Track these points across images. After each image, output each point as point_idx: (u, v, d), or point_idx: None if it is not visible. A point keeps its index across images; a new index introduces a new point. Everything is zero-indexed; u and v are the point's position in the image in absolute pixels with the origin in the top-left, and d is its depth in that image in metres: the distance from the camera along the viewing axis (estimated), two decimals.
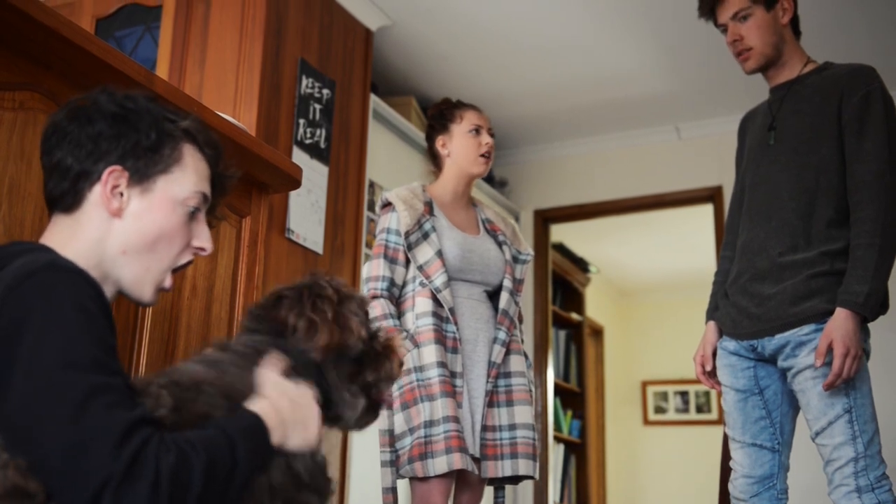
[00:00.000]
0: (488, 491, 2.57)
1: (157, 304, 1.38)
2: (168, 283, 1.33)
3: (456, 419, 2.32)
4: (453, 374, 2.40)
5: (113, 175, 1.25)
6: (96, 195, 1.26)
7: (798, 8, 2.41)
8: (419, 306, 2.43)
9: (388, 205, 2.54)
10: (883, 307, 2.21)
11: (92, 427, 1.01)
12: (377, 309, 2.40)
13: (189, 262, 1.35)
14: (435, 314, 2.42)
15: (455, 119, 2.65)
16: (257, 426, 1.15)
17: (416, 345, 2.40)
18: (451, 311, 2.43)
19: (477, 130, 2.62)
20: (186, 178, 1.31)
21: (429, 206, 2.55)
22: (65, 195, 1.27)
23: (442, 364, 2.37)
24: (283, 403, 1.20)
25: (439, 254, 2.46)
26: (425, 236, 2.48)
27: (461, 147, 2.61)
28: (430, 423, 2.31)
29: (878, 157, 2.16)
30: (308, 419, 1.22)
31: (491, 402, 2.46)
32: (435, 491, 2.32)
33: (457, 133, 2.63)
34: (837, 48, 3.45)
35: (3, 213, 1.41)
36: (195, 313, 1.79)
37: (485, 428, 2.42)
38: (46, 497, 1.01)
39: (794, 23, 2.41)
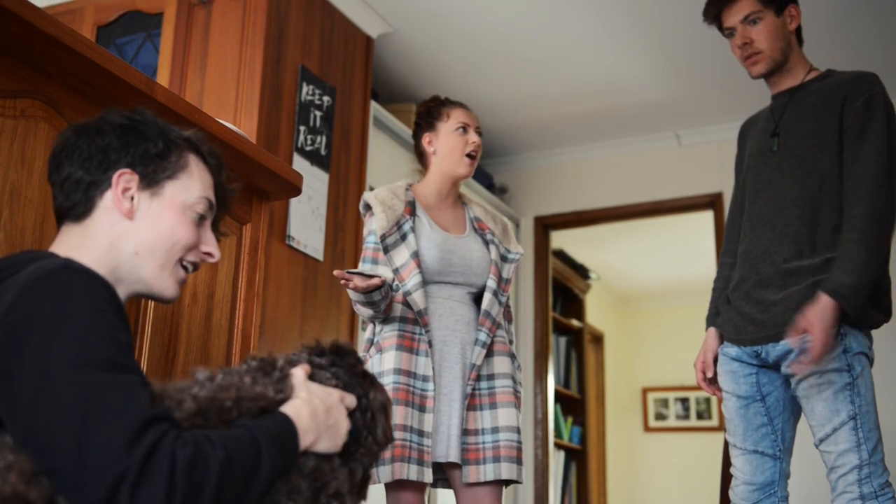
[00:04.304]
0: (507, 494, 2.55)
1: (178, 298, 1.38)
2: (184, 275, 1.37)
3: (405, 428, 2.29)
4: (426, 379, 2.37)
5: (123, 178, 1.29)
6: (108, 201, 1.29)
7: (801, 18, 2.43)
8: (391, 311, 2.42)
9: (369, 207, 2.53)
10: (886, 315, 2.21)
11: (105, 424, 1.00)
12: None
13: (196, 266, 1.38)
14: (403, 318, 2.40)
15: (442, 117, 2.60)
16: (286, 429, 1.15)
17: (379, 350, 2.40)
18: (420, 313, 2.39)
19: (464, 129, 2.58)
20: (193, 184, 1.34)
21: (410, 206, 2.52)
22: (76, 205, 1.29)
23: (399, 371, 2.34)
24: (317, 406, 1.21)
25: (415, 255, 2.43)
26: (403, 238, 2.46)
27: (447, 145, 2.57)
28: None
29: (876, 160, 2.17)
30: (339, 423, 1.24)
31: (473, 406, 2.41)
32: (410, 498, 2.31)
33: (443, 131, 2.58)
34: (835, 57, 3.46)
35: (4, 220, 1.41)
36: (195, 320, 1.79)
37: (466, 432, 2.38)
38: None
39: (798, 31, 2.42)
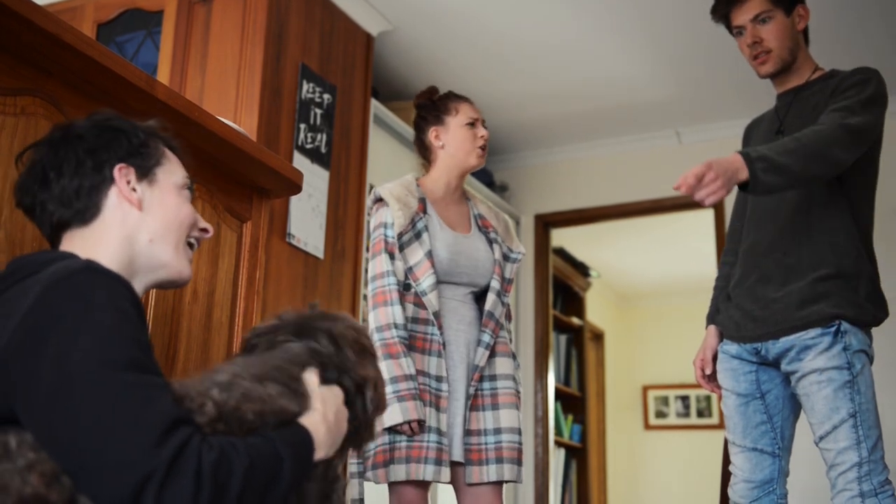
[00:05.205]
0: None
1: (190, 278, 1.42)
2: (191, 254, 1.41)
3: (425, 427, 2.30)
4: (439, 379, 2.37)
5: (123, 172, 1.31)
6: (113, 198, 1.30)
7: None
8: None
9: (380, 200, 2.51)
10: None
11: (130, 423, 1.00)
12: (382, 317, 2.35)
13: (198, 242, 1.43)
14: (414, 319, 2.39)
15: (450, 111, 2.60)
16: (305, 443, 1.17)
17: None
18: (436, 314, 2.39)
19: (473, 123, 2.59)
20: (175, 167, 1.39)
21: (422, 203, 2.51)
22: (80, 212, 1.29)
23: (417, 372, 2.34)
24: (331, 419, 1.23)
25: (429, 255, 2.42)
26: (417, 236, 2.45)
27: (458, 139, 2.57)
28: (392, 430, 2.30)
29: (850, 112, 2.15)
30: (342, 428, 1.27)
31: (475, 406, 2.42)
32: (413, 496, 2.31)
33: (453, 125, 2.58)
34: (838, 58, 3.45)
35: (4, 217, 1.41)
36: (196, 318, 1.79)
37: (469, 432, 2.38)
38: None
39: (805, 31, 2.42)
